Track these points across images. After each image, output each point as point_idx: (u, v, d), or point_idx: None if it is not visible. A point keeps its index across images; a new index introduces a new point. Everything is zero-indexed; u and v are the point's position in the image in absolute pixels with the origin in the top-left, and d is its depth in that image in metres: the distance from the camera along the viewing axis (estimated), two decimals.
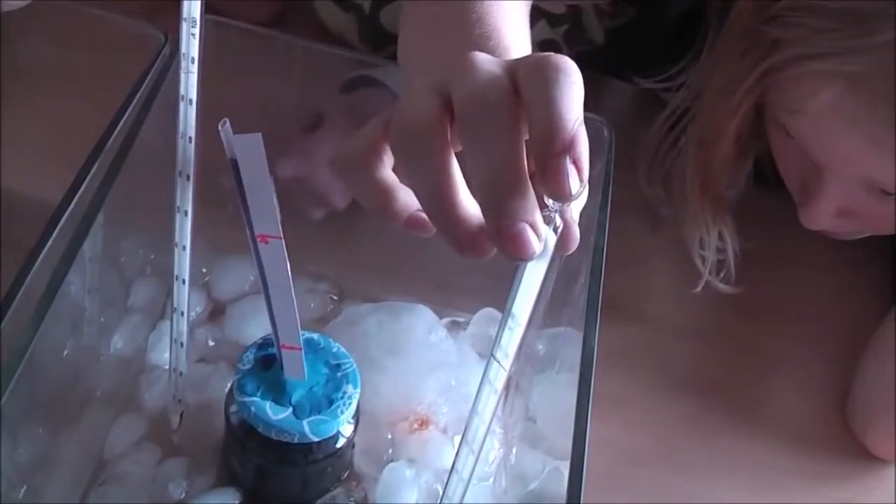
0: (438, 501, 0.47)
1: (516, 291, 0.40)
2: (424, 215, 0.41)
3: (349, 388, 0.55)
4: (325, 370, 0.56)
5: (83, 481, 0.60)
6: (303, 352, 0.53)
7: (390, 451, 0.63)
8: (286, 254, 0.46)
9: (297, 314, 0.50)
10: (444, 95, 0.40)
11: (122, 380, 0.64)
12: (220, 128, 0.41)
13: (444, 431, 0.65)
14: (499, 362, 0.41)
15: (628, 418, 0.71)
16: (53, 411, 0.56)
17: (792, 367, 0.78)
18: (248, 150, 0.41)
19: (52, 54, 0.74)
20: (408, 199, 0.42)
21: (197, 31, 0.48)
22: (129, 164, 0.56)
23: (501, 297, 0.72)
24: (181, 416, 0.61)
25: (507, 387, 0.69)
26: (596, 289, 0.56)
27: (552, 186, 0.37)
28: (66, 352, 0.56)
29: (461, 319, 0.71)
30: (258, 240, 0.45)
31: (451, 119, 0.40)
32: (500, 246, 0.38)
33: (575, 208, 0.41)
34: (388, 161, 0.42)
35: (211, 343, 0.67)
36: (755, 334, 0.80)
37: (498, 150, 0.38)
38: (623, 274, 0.64)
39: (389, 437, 0.64)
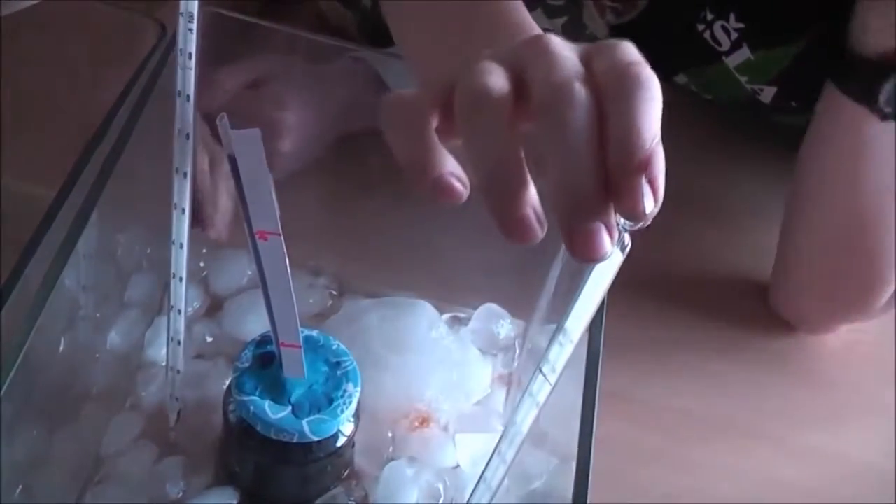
0: None
1: (572, 307, 0.39)
2: (455, 182, 0.39)
3: (349, 387, 0.55)
4: (324, 368, 0.55)
5: (80, 480, 0.59)
6: (302, 350, 0.52)
7: (391, 449, 0.63)
8: (285, 251, 0.46)
9: (297, 312, 0.49)
10: (515, 71, 0.39)
11: (119, 377, 0.64)
12: (218, 122, 0.41)
13: (445, 429, 0.64)
14: (545, 376, 0.40)
15: (631, 415, 0.71)
16: (49, 409, 0.56)
17: (796, 365, 0.78)
18: (247, 145, 0.41)
19: (50, 46, 0.73)
20: (444, 160, 0.40)
21: (194, 26, 0.47)
22: (126, 156, 0.55)
23: (503, 293, 0.71)
24: (178, 414, 0.61)
25: (509, 382, 0.69)
26: None
27: (625, 205, 0.36)
28: (61, 349, 0.56)
29: (462, 315, 0.71)
30: (257, 236, 0.45)
31: (518, 97, 0.39)
32: (573, 243, 0.36)
33: None
34: (435, 123, 0.41)
35: (209, 339, 0.67)
36: (758, 332, 0.79)
37: (581, 148, 0.37)
38: (627, 269, 0.64)
39: (390, 435, 0.63)
